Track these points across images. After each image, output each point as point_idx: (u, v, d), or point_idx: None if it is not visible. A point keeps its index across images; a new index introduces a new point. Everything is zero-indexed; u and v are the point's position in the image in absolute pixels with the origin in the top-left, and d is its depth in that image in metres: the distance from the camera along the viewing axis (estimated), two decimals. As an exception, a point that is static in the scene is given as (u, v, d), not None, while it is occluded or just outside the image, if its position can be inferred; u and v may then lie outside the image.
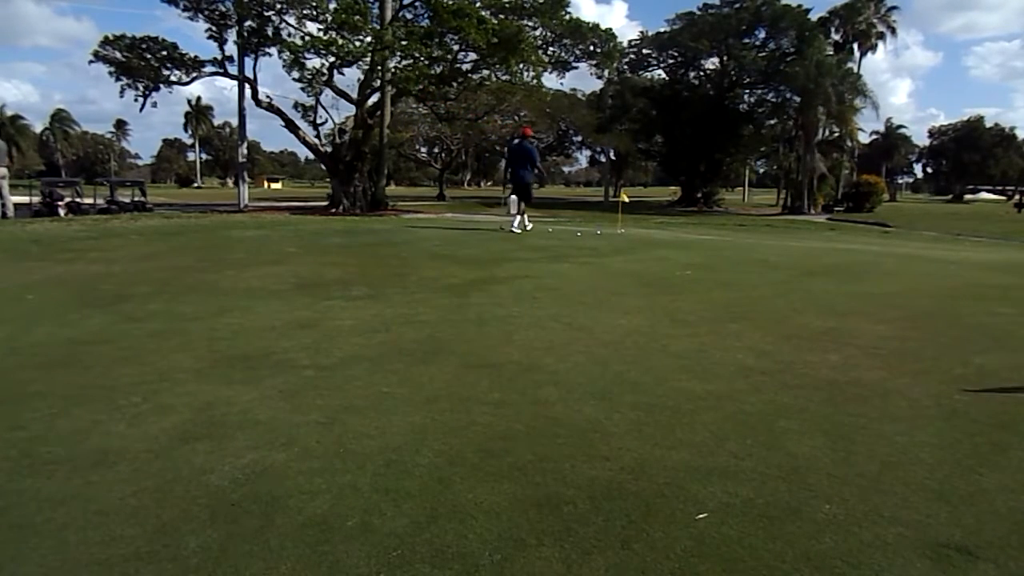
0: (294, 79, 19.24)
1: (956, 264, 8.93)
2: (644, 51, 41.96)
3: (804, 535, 2.00)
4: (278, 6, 20.67)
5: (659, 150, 47.22)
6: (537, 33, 22.17)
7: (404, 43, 19.14)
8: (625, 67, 41.70)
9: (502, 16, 20.49)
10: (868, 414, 3.02)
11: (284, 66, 19.09)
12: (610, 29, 23.45)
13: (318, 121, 21.74)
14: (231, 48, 21.92)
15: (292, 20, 21.16)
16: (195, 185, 75.81)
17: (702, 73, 42.28)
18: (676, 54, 40.93)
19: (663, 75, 43.02)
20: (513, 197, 12.34)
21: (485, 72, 21.87)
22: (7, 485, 2.29)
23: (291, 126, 21.95)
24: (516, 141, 13.43)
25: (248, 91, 22.44)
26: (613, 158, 49.24)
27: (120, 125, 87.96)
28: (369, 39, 18.80)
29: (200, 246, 9.45)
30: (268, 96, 22.39)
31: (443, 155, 53.42)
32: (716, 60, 40.39)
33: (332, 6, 19.62)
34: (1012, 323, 4.94)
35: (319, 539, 1.97)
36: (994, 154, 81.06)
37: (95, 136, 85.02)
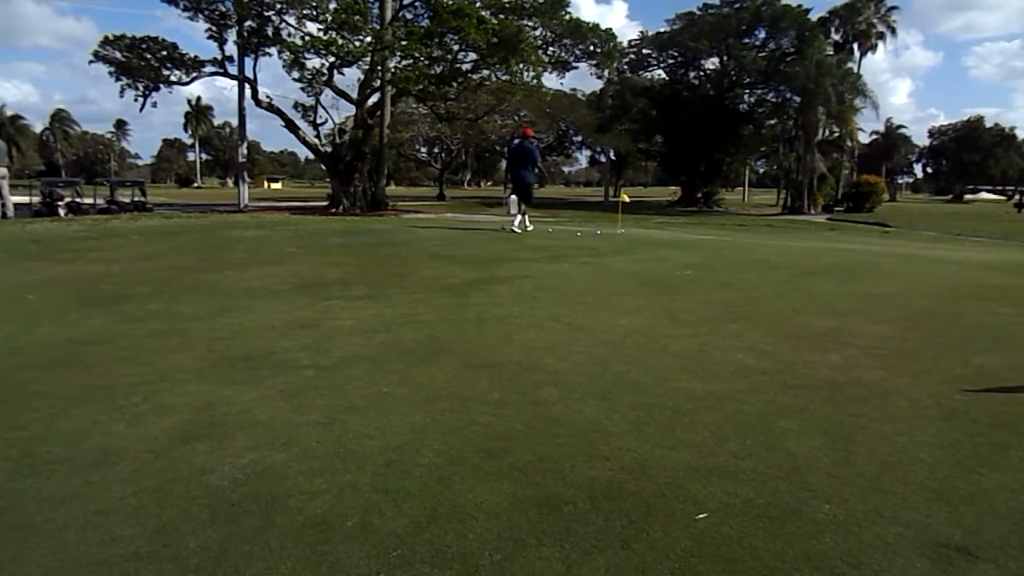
0: (294, 79, 19.29)
1: (956, 264, 8.93)
2: (644, 51, 41.97)
3: (804, 535, 2.00)
4: (278, 6, 20.68)
5: (659, 150, 47.22)
6: (537, 33, 22.18)
7: (404, 43, 19.15)
8: (625, 67, 41.70)
9: (502, 16, 20.49)
10: (868, 414, 3.02)
11: (284, 66, 19.13)
12: (610, 29, 23.50)
13: (318, 121, 21.79)
14: (231, 48, 21.98)
15: (292, 20, 21.20)
16: (195, 185, 75.82)
17: (702, 73, 42.29)
18: (676, 54, 40.94)
19: (663, 75, 43.08)
20: (513, 197, 12.34)
21: (485, 72, 21.88)
22: (7, 485, 2.29)
23: (291, 126, 21.96)
24: (516, 141, 13.45)
25: (248, 91, 22.46)
26: (613, 158, 49.25)
27: (120, 125, 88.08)
28: (369, 39, 18.80)
29: (200, 246, 9.45)
30: (268, 96, 22.44)
31: (443, 155, 53.42)
32: (716, 60, 40.43)
33: (332, 6, 19.64)
34: (1012, 323, 4.94)
35: (319, 539, 1.97)
36: (994, 154, 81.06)
37: (95, 136, 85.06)
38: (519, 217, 11.90)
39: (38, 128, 75.16)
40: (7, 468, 2.41)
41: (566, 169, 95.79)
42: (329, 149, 22.40)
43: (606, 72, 28.08)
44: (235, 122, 44.19)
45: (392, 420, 2.88)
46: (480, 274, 6.95)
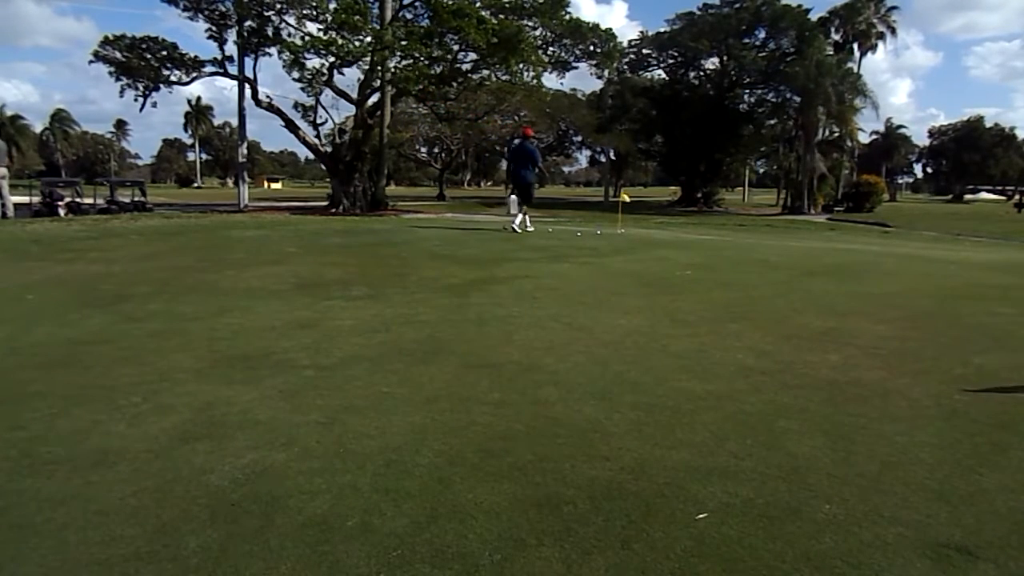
0: (294, 79, 19.29)
1: (956, 264, 8.93)
2: (644, 51, 41.97)
3: (804, 535, 2.00)
4: (278, 6, 20.68)
5: (659, 150, 47.22)
6: (537, 33, 22.18)
7: (404, 43, 19.15)
8: (625, 67, 41.70)
9: (502, 16, 20.49)
10: (868, 414, 3.02)
11: (284, 66, 19.12)
12: (610, 29, 23.51)
13: (318, 121, 21.79)
14: (231, 48, 21.98)
15: (292, 20, 21.20)
16: (195, 185, 75.82)
17: (702, 73, 42.29)
18: (676, 54, 40.94)
19: (663, 75, 43.08)
20: (513, 197, 12.36)
21: (485, 72, 21.89)
22: (7, 485, 2.29)
23: (291, 126, 21.96)
24: (517, 141, 13.47)
25: (248, 91, 22.46)
26: (613, 158, 49.25)
27: (120, 125, 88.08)
28: (369, 39, 18.80)
29: (200, 246, 9.45)
30: (268, 96, 22.44)
31: (443, 155, 53.42)
32: (716, 60, 40.43)
33: (332, 6, 19.64)
34: (1012, 323, 4.94)
35: (319, 539, 1.97)
36: (994, 154, 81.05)
37: (95, 136, 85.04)
38: (520, 216, 11.91)
39: (38, 128, 75.32)
40: (7, 468, 2.41)
41: (566, 169, 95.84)
42: (329, 149, 22.40)
43: (606, 72, 28.08)
44: (235, 122, 44.23)
45: (392, 420, 2.88)
46: (480, 274, 6.95)
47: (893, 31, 40.88)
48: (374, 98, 21.94)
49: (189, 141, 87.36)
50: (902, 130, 78.73)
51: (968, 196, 71.20)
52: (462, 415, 2.94)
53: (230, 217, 16.47)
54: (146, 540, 1.96)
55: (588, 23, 22.73)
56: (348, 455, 2.53)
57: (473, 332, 4.47)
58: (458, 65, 21.50)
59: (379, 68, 19.81)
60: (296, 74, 19.03)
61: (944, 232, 22.53)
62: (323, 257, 8.40)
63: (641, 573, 1.82)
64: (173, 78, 22.09)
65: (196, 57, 22.02)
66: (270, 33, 21.14)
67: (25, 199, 18.41)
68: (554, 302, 5.50)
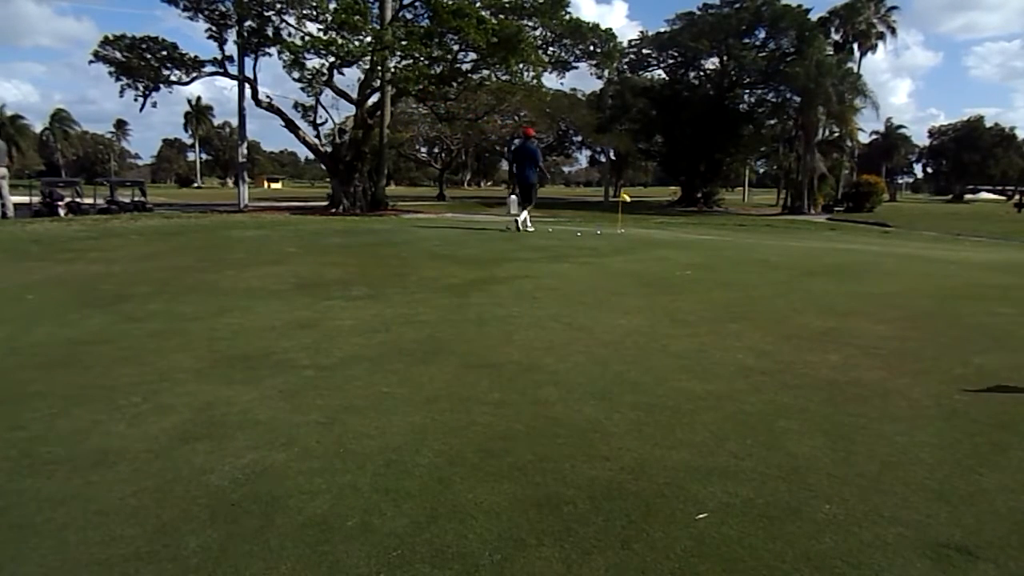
0: (294, 79, 19.28)
1: (956, 264, 8.93)
2: (644, 51, 41.96)
3: (804, 535, 2.00)
4: (278, 6, 20.67)
5: (659, 150, 47.21)
6: (537, 33, 22.17)
7: (404, 43, 19.15)
8: (625, 67, 41.69)
9: (502, 16, 20.49)
10: (868, 414, 3.02)
11: (284, 66, 19.11)
12: (610, 29, 23.50)
13: (318, 121, 21.79)
14: (231, 48, 21.98)
15: (292, 20, 21.18)
16: (195, 185, 75.80)
17: (702, 73, 42.29)
18: (676, 54, 40.93)
19: (663, 75, 43.07)
20: (513, 197, 12.36)
21: (485, 72, 21.88)
22: (7, 485, 2.29)
23: (291, 126, 21.96)
24: (519, 141, 13.49)
25: (248, 91, 22.45)
26: (613, 158, 49.25)
27: (120, 125, 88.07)
28: (369, 39, 18.80)
29: (200, 246, 9.45)
30: (268, 96, 22.44)
31: (443, 155, 53.42)
32: (716, 60, 40.42)
33: (332, 6, 19.63)
34: (1012, 323, 4.94)
35: (319, 539, 1.97)
36: (994, 154, 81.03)
37: (95, 136, 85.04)
38: (524, 214, 11.97)
39: (38, 128, 75.31)
40: (7, 468, 2.41)
41: (566, 169, 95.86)
42: (329, 149, 22.40)
43: (606, 72, 28.08)
44: (235, 122, 44.19)
45: (392, 420, 2.88)
46: (480, 274, 6.95)
47: (893, 31, 40.92)
48: (374, 98, 21.96)
49: (189, 141, 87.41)
50: (902, 130, 78.85)
51: (968, 196, 71.21)
52: (462, 415, 2.94)
53: (230, 217, 16.47)
54: (146, 540, 1.96)
55: (588, 23, 22.76)
56: (348, 455, 2.53)
57: (473, 332, 4.47)
58: (458, 65, 21.50)
59: (379, 68, 19.81)
60: (296, 74, 19.05)
61: (944, 232, 22.53)
62: (323, 257, 8.40)
63: (641, 573, 1.82)
64: (173, 78, 22.10)
65: (196, 57, 22.05)
66: (270, 33, 21.13)
67: (25, 199, 18.41)
68: (554, 302, 5.50)
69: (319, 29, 20.17)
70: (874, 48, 40.85)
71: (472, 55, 20.92)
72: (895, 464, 2.51)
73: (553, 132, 50.84)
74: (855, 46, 40.21)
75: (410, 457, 2.51)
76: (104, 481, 2.32)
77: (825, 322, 4.86)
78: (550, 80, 25.16)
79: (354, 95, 21.73)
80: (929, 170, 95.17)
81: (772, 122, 40.84)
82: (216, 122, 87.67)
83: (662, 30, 40.88)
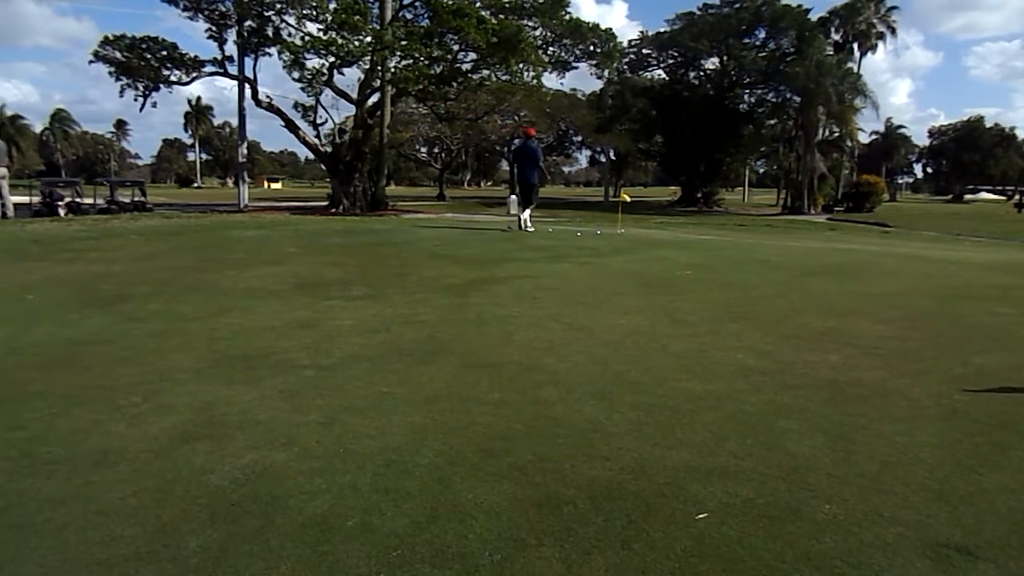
0: (294, 79, 19.27)
1: (956, 264, 8.93)
2: (644, 51, 41.97)
3: (804, 535, 2.00)
4: (278, 6, 20.66)
5: (659, 150, 47.22)
6: (537, 33, 22.17)
7: (404, 43, 19.14)
8: (625, 67, 41.69)
9: (502, 16, 20.49)
10: (868, 414, 3.02)
11: (284, 66, 19.10)
12: (610, 29, 23.49)
13: (318, 121, 21.79)
14: (231, 48, 21.97)
15: (292, 20, 21.18)
16: (195, 185, 75.80)
17: (702, 73, 42.29)
18: (676, 54, 40.93)
19: (663, 75, 43.08)
20: (513, 197, 12.39)
21: (485, 72, 21.88)
22: (7, 485, 2.29)
23: (291, 126, 21.96)
24: (519, 142, 13.51)
25: (248, 91, 22.46)
26: (613, 158, 49.25)
27: (120, 125, 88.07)
28: (369, 39, 18.80)
29: (200, 246, 9.45)
30: (268, 96, 22.43)
31: (443, 155, 53.42)
32: (716, 60, 40.42)
33: (332, 6, 19.62)
34: (1012, 323, 4.94)
35: (319, 539, 1.97)
36: (994, 154, 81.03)
37: (95, 136, 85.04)
38: (526, 213, 12.00)
39: (38, 128, 75.30)
40: (7, 468, 2.41)
41: (566, 169, 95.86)
42: (329, 149, 22.40)
43: (606, 72, 28.08)
44: (235, 122, 44.19)
45: (392, 420, 2.88)
46: (480, 274, 6.95)
47: (893, 31, 40.92)
48: (374, 98, 21.95)
49: (189, 141, 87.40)
50: (902, 130, 78.80)
51: (968, 196, 71.18)
52: (462, 415, 2.94)
53: (230, 217, 16.47)
54: (146, 540, 1.96)
55: (588, 23, 22.75)
56: (348, 455, 2.53)
57: (473, 332, 4.47)
58: (458, 65, 21.49)
59: (379, 68, 19.81)
60: (296, 74, 19.04)
61: (944, 232, 22.53)
62: (323, 257, 8.40)
63: (641, 573, 1.82)
64: (173, 78, 22.10)
65: (196, 57, 22.04)
66: (270, 33, 21.13)
67: (25, 199, 18.41)
68: (554, 302, 5.50)
69: (319, 29, 20.19)
70: (874, 48, 40.90)
71: (472, 55, 20.91)
72: (895, 464, 2.51)
73: (553, 132, 50.83)
74: (855, 46, 40.22)
75: (410, 457, 2.51)
76: (104, 481, 2.32)
77: (825, 322, 4.86)
78: (550, 80, 25.19)
79: (354, 95, 21.73)
80: (929, 170, 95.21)
81: (772, 122, 40.85)
82: (216, 122, 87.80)
83: (662, 30, 40.96)
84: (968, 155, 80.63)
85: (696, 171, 42.62)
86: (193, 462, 2.46)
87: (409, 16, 21.54)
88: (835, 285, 6.60)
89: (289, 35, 20.90)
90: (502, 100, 29.20)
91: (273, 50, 21.01)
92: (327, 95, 21.46)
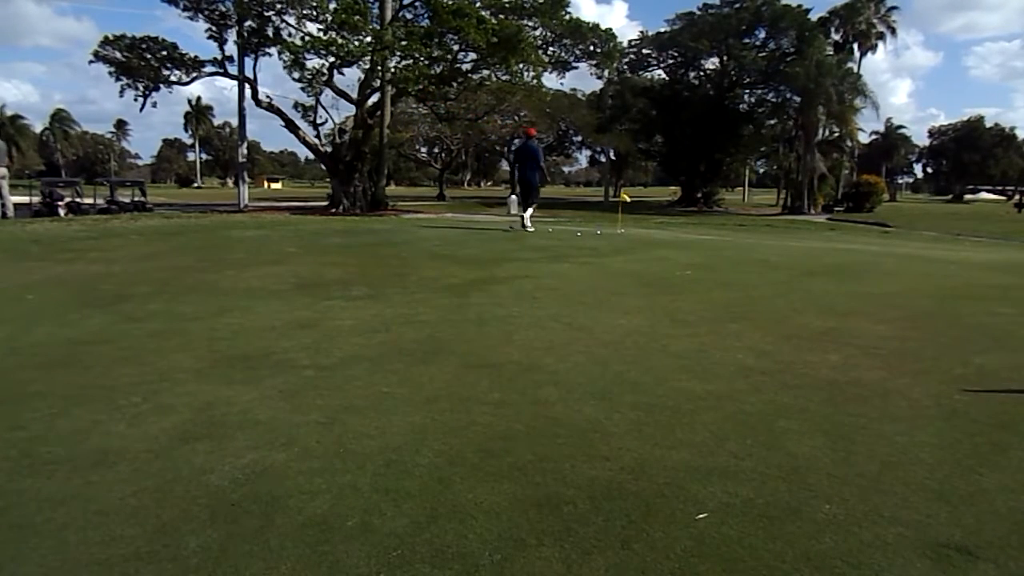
0: (294, 79, 19.25)
1: (956, 264, 8.93)
2: (644, 51, 41.95)
3: (804, 535, 2.00)
4: (278, 6, 20.65)
5: (659, 150, 47.21)
6: (537, 33, 22.16)
7: (404, 43, 19.14)
8: (625, 67, 41.69)
9: (502, 16, 20.48)
10: (868, 414, 3.02)
11: (284, 66, 19.08)
12: (610, 29, 23.48)
13: (318, 121, 21.77)
14: (231, 48, 21.96)
15: (292, 20, 21.15)
16: (195, 185, 75.81)
17: (702, 73, 42.28)
18: (676, 54, 40.92)
19: (663, 75, 43.07)
20: (513, 197, 12.40)
21: (485, 72, 21.87)
22: (7, 485, 2.29)
23: (291, 126, 21.95)
24: (520, 141, 13.54)
25: (248, 91, 22.44)
26: (613, 158, 49.24)
27: (120, 125, 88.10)
28: (369, 39, 18.79)
29: (200, 246, 9.45)
30: (268, 96, 22.41)
31: (443, 155, 53.41)
32: (716, 60, 40.41)
33: (332, 6, 19.61)
34: (1012, 323, 4.94)
35: (319, 539, 1.97)
36: (994, 154, 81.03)
37: (95, 136, 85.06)
38: (529, 212, 12.02)
39: (38, 128, 75.34)
40: (7, 468, 2.41)
41: (566, 169, 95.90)
42: (329, 149, 22.39)
43: (606, 72, 28.07)
44: (235, 122, 44.23)
45: (392, 420, 2.88)
46: (480, 274, 6.95)
47: (893, 31, 40.92)
48: (374, 98, 21.94)
49: (189, 141, 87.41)
50: (902, 130, 78.82)
51: (968, 196, 71.20)
52: (462, 415, 2.94)
53: (230, 217, 16.47)
54: (146, 540, 1.96)
55: (588, 23, 22.74)
56: (348, 455, 2.53)
57: (473, 332, 4.47)
58: (458, 65, 21.48)
59: (379, 68, 19.80)
60: (296, 74, 19.02)
61: (944, 232, 22.53)
62: (323, 257, 8.40)
63: (641, 573, 1.82)
64: (173, 78, 22.08)
65: (196, 57, 22.02)
66: (270, 33, 21.12)
67: (25, 199, 18.40)
68: (554, 302, 5.50)
69: (319, 29, 20.17)
70: (874, 48, 40.90)
71: (472, 55, 20.90)
72: (895, 464, 2.51)
73: (553, 132, 50.84)
74: (855, 46, 40.22)
75: (410, 457, 2.51)
76: (104, 481, 2.32)
77: (825, 322, 4.86)
78: (550, 80, 25.18)
79: (354, 95, 21.73)
80: (929, 170, 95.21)
81: (772, 122, 40.84)
82: (216, 122, 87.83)
83: (662, 30, 40.95)
84: (968, 155, 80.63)
85: (696, 171, 42.61)
86: (193, 462, 2.46)
87: (409, 16, 21.54)
88: (835, 285, 6.60)
89: (289, 35, 20.91)
90: (502, 100, 29.19)
91: (273, 50, 21.00)
92: (327, 95, 21.49)
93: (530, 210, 12.09)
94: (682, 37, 38.86)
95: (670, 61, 41.83)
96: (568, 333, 4.47)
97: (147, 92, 21.94)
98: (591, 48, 23.39)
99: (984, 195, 71.94)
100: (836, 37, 39.70)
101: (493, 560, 1.87)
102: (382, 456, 2.52)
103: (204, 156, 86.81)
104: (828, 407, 3.11)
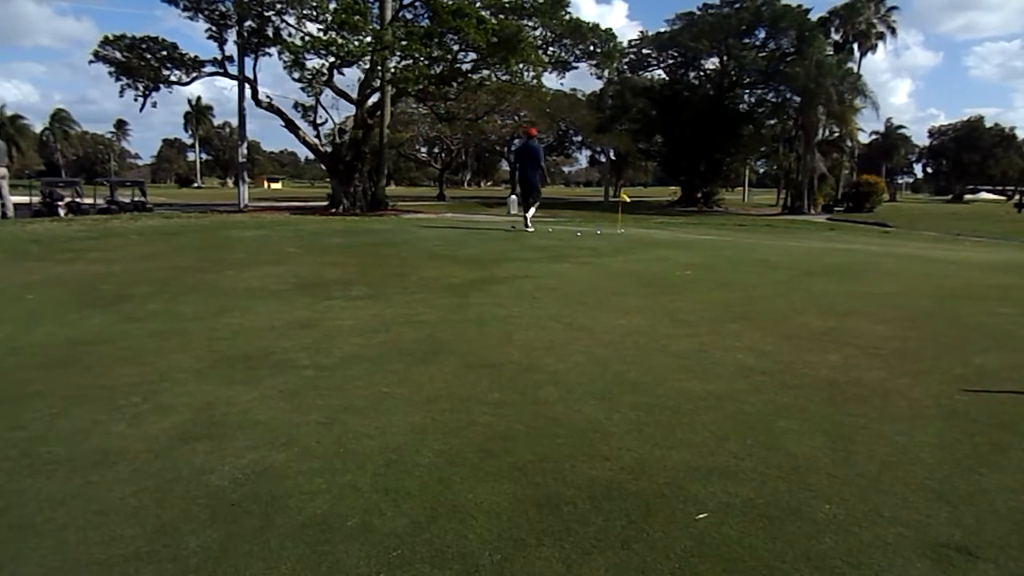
0: (294, 79, 19.24)
1: (956, 264, 8.93)
2: (644, 51, 41.96)
3: (804, 535, 2.00)
4: (278, 6, 20.65)
5: (659, 150, 47.22)
6: (537, 33, 22.16)
7: (404, 43, 19.13)
8: (625, 67, 41.69)
9: (502, 16, 20.48)
10: (868, 414, 3.02)
11: (284, 66, 19.07)
12: (610, 29, 23.48)
13: (318, 121, 21.76)
14: (231, 48, 21.95)
15: (292, 20, 21.15)
16: (195, 185, 75.80)
17: (702, 73, 42.28)
18: (676, 54, 40.93)
19: (663, 75, 43.08)
20: (513, 197, 12.42)
21: (485, 72, 21.87)
22: (7, 485, 2.29)
23: (291, 126, 21.95)
24: (520, 141, 13.55)
25: (248, 91, 22.44)
26: (613, 158, 49.23)
27: (120, 125, 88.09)
28: (369, 39, 18.79)
29: (200, 246, 9.45)
30: (268, 96, 22.41)
31: (443, 155, 53.40)
32: (716, 60, 40.41)
33: (332, 6, 19.60)
34: (1012, 323, 4.94)
35: (319, 539, 1.97)
36: (994, 154, 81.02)
37: (95, 136, 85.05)
38: (531, 212, 12.03)
39: (38, 128, 75.33)
40: (7, 468, 2.41)
41: (566, 169, 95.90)
42: (329, 149, 22.39)
43: (606, 72, 28.07)
44: (235, 122, 44.25)
45: (392, 420, 2.88)
46: (480, 274, 6.95)
47: (893, 31, 40.91)
48: (374, 98, 21.94)
49: (189, 141, 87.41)
50: (902, 130, 78.78)
51: (968, 196, 71.18)
52: (462, 415, 2.94)
53: (230, 217, 16.47)
54: (146, 540, 1.96)
55: (588, 23, 22.73)
56: (348, 455, 2.53)
57: (473, 332, 4.47)
58: (458, 65, 21.48)
59: (379, 68, 19.80)
60: (296, 74, 19.00)
61: (944, 232, 22.53)
62: (323, 257, 8.40)
63: (641, 573, 1.82)
64: (173, 78, 22.07)
65: (196, 57, 22.02)
66: (270, 33, 21.12)
67: (25, 199, 18.41)
68: (554, 302, 5.50)
69: (319, 29, 20.16)
70: (874, 48, 40.89)
71: (472, 55, 20.90)
72: (895, 464, 2.51)
73: (553, 132, 50.81)
74: (855, 46, 40.21)
75: (410, 457, 2.51)
76: (104, 481, 2.32)
77: (825, 322, 4.86)
78: (550, 80, 25.20)
79: (354, 95, 21.72)
80: (929, 170, 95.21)
81: (772, 122, 40.84)
82: (216, 122, 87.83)
83: (662, 30, 40.95)
84: (968, 155, 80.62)
85: (696, 171, 42.61)
86: (193, 462, 2.46)
87: (409, 16, 21.54)
88: (835, 285, 6.60)
89: (289, 35, 20.90)
90: (502, 100, 29.18)
91: (273, 50, 20.99)
92: (327, 95, 21.48)
93: (532, 210, 12.11)
94: (682, 37, 38.86)
95: (670, 61, 41.84)
96: (568, 333, 4.47)
97: (147, 92, 21.94)
98: (591, 48, 23.39)
99: (984, 195, 71.93)
100: (836, 37, 39.70)
101: (493, 560, 1.87)
102: (382, 456, 2.52)
103: (204, 156, 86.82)
104: (828, 407, 3.11)
